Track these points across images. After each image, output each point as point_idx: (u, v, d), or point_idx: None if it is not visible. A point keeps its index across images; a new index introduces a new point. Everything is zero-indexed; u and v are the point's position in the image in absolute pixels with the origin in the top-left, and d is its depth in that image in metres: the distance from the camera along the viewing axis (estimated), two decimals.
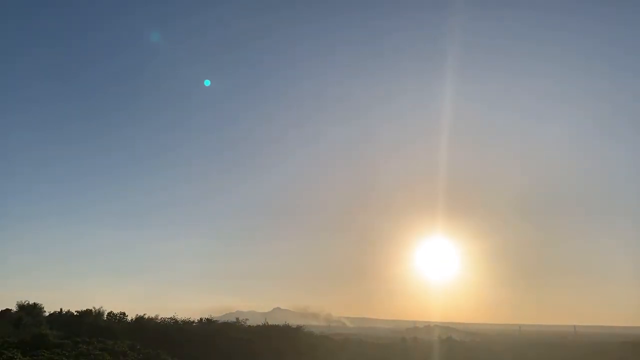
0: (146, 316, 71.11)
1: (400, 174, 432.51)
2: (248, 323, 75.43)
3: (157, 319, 71.68)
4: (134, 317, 71.14)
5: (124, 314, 72.54)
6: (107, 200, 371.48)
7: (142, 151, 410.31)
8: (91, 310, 71.39)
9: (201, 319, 73.49)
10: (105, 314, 71.74)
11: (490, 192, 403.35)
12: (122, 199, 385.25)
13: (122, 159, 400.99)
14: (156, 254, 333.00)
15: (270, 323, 73.03)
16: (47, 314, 74.02)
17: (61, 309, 74.05)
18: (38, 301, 73.64)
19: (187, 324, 70.43)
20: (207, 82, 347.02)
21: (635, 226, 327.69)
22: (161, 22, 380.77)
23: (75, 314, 71.92)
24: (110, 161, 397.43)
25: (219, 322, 76.31)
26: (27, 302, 72.18)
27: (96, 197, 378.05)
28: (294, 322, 75.84)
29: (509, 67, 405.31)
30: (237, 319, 76.28)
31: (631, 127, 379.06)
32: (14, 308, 71.70)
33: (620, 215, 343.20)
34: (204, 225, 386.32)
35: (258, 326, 73.02)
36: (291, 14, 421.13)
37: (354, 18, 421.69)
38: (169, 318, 71.18)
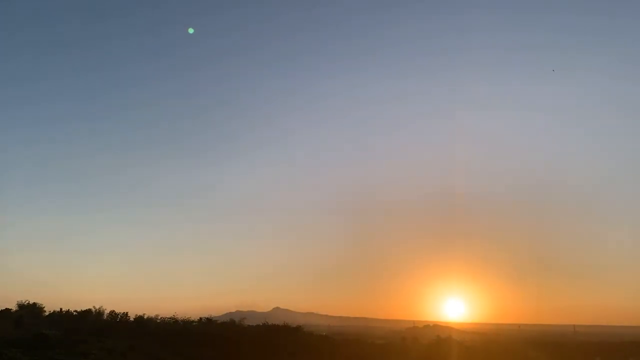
0: (146, 316, 71.35)
1: (405, 173, 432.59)
2: (248, 323, 75.64)
3: (157, 318, 71.90)
4: (133, 317, 71.38)
5: (124, 313, 72.84)
6: (107, 198, 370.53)
7: (141, 149, 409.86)
8: (91, 309, 71.60)
9: (201, 318, 73.67)
10: (106, 313, 72.01)
11: (491, 191, 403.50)
12: (121, 196, 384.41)
13: (122, 156, 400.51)
14: (155, 252, 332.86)
15: (270, 323, 73.12)
16: (47, 313, 74.32)
17: (61, 309, 74.35)
18: (38, 301, 74.05)
19: (187, 323, 70.57)
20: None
21: (636, 225, 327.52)
22: None
23: (75, 313, 72.10)
24: (110, 160, 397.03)
25: (219, 321, 76.57)
26: (27, 302, 72.45)
27: (95, 194, 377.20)
28: (294, 322, 75.97)
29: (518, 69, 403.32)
30: (237, 318, 76.52)
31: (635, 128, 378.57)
32: (14, 308, 71.98)
33: (621, 215, 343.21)
34: (204, 223, 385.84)
35: (258, 326, 73.13)
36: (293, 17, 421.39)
37: (363, 15, 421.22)
38: (169, 318, 71.42)
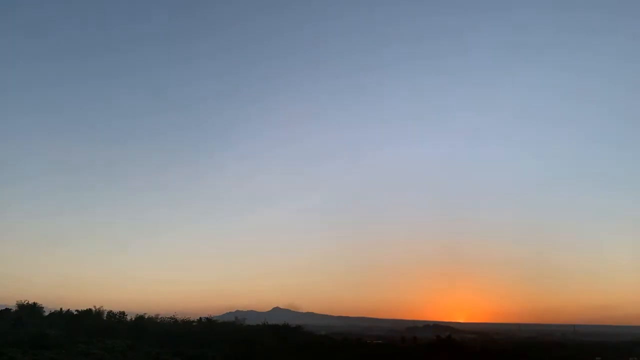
0: (146, 316, 71.31)
1: (406, 174, 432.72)
2: (248, 323, 75.69)
3: (157, 318, 71.86)
4: (133, 317, 71.33)
5: (124, 313, 72.79)
6: (107, 198, 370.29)
7: (140, 149, 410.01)
8: (91, 309, 71.50)
9: (201, 318, 73.71)
10: (105, 313, 71.94)
11: (490, 190, 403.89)
12: (121, 197, 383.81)
13: (122, 157, 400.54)
14: (155, 253, 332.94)
15: (270, 323, 73.16)
16: (47, 313, 74.22)
17: (61, 309, 74.19)
18: (38, 301, 73.93)
19: (186, 323, 70.58)
20: None
21: (636, 225, 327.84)
22: None
23: (75, 313, 72.00)
24: (111, 160, 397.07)
25: (219, 321, 76.63)
26: (27, 302, 72.31)
27: (96, 194, 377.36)
28: (293, 321, 76.00)
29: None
30: (237, 318, 76.59)
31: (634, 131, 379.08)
32: (14, 308, 71.85)
33: (621, 215, 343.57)
34: (204, 223, 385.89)
35: (258, 326, 73.16)
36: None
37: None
38: (168, 318, 71.44)
